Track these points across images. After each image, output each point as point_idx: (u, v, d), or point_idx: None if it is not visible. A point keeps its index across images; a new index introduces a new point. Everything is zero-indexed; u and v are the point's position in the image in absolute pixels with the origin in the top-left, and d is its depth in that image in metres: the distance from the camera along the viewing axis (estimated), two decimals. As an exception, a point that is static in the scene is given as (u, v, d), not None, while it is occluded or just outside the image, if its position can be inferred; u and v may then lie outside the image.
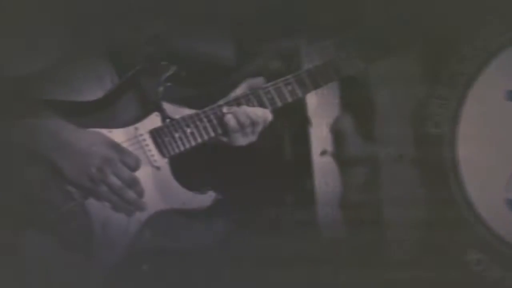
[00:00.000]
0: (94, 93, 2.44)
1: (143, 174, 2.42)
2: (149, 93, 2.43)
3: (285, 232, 2.83)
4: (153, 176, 2.44)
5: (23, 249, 2.28)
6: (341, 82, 2.83)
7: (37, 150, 2.31)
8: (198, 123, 2.44)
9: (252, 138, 2.49)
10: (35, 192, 2.32)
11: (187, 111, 2.48)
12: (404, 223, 2.83)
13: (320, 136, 2.96)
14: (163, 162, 2.45)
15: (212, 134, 2.47)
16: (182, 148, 2.46)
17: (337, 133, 2.98)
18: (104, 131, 2.40)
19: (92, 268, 2.34)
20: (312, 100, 2.95)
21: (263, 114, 2.46)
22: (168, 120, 2.45)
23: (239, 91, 2.51)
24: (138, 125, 2.44)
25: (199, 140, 2.46)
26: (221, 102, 2.48)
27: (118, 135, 2.41)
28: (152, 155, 2.45)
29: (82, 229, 2.36)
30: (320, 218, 2.90)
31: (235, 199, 2.57)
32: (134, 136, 2.43)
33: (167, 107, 2.46)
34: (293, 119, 2.93)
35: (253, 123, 2.44)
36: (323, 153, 2.96)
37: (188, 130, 2.44)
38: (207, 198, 2.46)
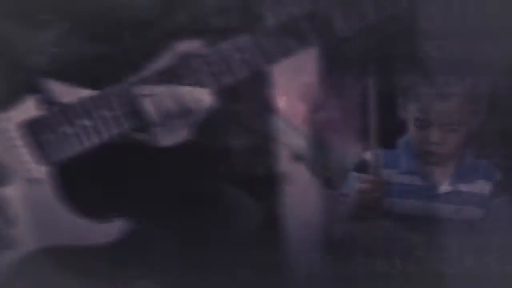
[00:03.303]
0: None
1: (13, 192, 2.04)
2: (22, 64, 2.08)
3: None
4: (27, 194, 2.04)
5: None
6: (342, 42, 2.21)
7: None
8: (100, 110, 2.08)
9: (183, 134, 2.13)
10: None
11: (84, 93, 2.07)
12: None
13: (292, 132, 2.39)
14: (42, 173, 2.06)
15: (123, 127, 2.09)
16: (73, 151, 2.06)
17: (317, 128, 2.40)
18: None
19: None
20: (280, 74, 2.34)
21: (199, 97, 2.09)
22: (51, 107, 2.05)
23: (163, 61, 2.09)
24: (3, 115, 2.04)
25: (102, 137, 2.08)
26: (135, 78, 2.08)
27: (-31, 130, 2.06)
28: (26, 162, 2.07)
29: None
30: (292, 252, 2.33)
31: (161, 229, 2.16)
32: (-4, 133, 2.11)
33: (52, 86, 2.06)
34: (250, 105, 2.35)
35: (185, 111, 2.08)
36: (298, 158, 2.40)
37: (85, 122, 2.07)
38: (113, 228, 2.09)
